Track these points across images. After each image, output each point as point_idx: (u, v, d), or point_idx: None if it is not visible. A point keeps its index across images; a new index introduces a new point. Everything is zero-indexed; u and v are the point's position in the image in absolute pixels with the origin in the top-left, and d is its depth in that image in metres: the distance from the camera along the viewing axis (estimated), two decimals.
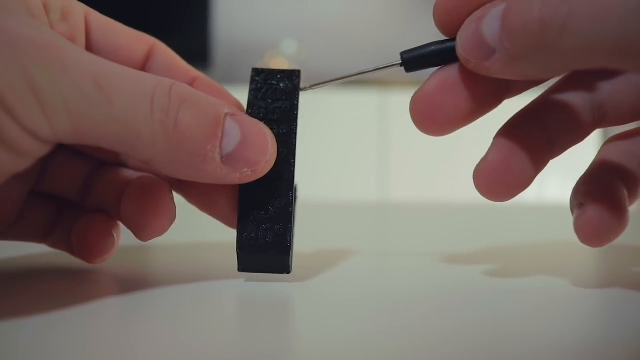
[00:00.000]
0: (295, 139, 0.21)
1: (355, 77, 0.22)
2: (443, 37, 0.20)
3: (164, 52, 0.22)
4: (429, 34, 0.24)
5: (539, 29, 0.16)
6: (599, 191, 0.20)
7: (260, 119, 0.20)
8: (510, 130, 0.20)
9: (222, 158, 0.18)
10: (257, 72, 0.22)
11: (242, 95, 0.22)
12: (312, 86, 0.22)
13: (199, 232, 0.34)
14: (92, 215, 0.22)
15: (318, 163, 1.32)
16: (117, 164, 0.23)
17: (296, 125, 0.21)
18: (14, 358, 0.13)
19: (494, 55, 0.18)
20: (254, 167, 0.19)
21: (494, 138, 0.20)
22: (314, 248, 0.29)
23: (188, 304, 0.18)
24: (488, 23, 0.18)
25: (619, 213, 0.20)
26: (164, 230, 0.21)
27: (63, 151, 0.22)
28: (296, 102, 0.21)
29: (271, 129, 0.20)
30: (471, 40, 0.18)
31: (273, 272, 0.20)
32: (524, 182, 0.20)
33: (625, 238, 0.20)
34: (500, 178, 0.20)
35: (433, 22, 0.23)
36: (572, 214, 0.20)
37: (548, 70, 0.18)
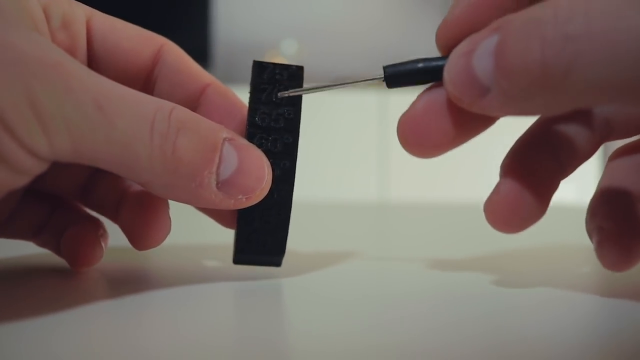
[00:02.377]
0: (298, 149, 0.20)
1: (335, 87, 0.20)
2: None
3: (174, 55, 0.22)
4: (429, 33, 0.24)
5: (541, 71, 0.15)
6: (618, 214, 0.19)
7: (264, 128, 0.20)
8: (520, 158, 0.19)
9: (217, 184, 0.18)
10: (260, 68, 0.20)
11: (243, 95, 0.22)
12: (290, 92, 0.21)
13: (198, 232, 0.34)
14: (82, 224, 0.22)
15: (318, 163, 1.32)
16: None
17: (299, 134, 0.20)
18: (12, 358, 0.13)
19: (488, 93, 0.16)
20: (248, 195, 0.19)
21: (503, 167, 0.20)
22: (313, 248, 0.29)
23: (185, 302, 0.18)
24: (479, 59, 0.16)
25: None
26: (159, 242, 0.21)
27: None
28: (299, 108, 0.21)
29: (275, 138, 0.20)
30: (462, 78, 0.17)
31: (265, 265, 0.21)
32: (540, 213, 0.19)
33: None
34: (516, 212, 0.19)
35: (433, 23, 0.23)
36: (591, 237, 0.20)
37: (551, 109, 0.17)
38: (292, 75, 0.20)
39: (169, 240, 0.21)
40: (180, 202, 0.19)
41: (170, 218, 0.21)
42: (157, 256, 0.27)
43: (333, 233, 0.38)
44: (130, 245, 0.21)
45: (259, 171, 0.19)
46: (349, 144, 1.38)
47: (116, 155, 0.16)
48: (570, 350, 0.14)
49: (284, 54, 1.58)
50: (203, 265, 0.25)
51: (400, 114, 0.19)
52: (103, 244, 0.22)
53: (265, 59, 1.73)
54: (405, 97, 0.24)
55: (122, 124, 0.16)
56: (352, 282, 0.22)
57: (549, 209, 0.19)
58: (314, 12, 1.73)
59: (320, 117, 1.29)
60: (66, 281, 0.21)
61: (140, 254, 0.26)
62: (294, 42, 1.60)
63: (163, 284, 0.21)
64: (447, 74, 0.17)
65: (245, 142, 0.19)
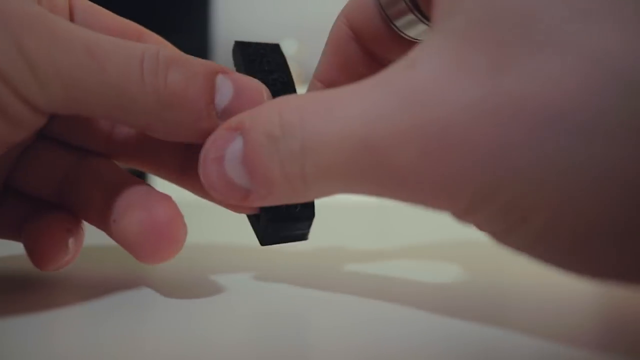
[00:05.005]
0: None
1: None
2: None
3: (153, 43, 0.22)
4: None
5: (287, 182, 0.16)
6: None
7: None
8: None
9: (217, 114, 0.18)
10: (244, 45, 0.22)
11: None
12: None
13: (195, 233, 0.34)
14: (48, 216, 0.20)
15: None
16: (101, 156, 0.21)
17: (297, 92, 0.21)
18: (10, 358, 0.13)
19: (251, 194, 0.17)
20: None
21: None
22: (313, 248, 0.29)
23: (188, 305, 0.18)
24: (231, 167, 0.17)
25: None
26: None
27: (41, 142, 0.21)
28: (289, 71, 0.21)
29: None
30: (221, 184, 0.17)
31: (293, 241, 0.21)
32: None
33: None
34: None
35: None
36: None
37: (311, 198, 0.17)
38: (273, 50, 0.22)
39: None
40: (185, 141, 0.18)
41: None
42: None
43: (333, 233, 0.38)
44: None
45: (257, 95, 0.19)
46: None
47: (110, 98, 0.16)
48: (570, 350, 0.14)
49: (284, 54, 1.58)
50: (202, 264, 0.25)
51: None
52: (72, 240, 0.20)
53: None
54: None
55: (112, 67, 0.16)
56: (352, 282, 0.22)
57: None
58: (314, 12, 1.72)
59: None
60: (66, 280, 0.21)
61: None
62: (294, 42, 1.60)
63: (154, 283, 0.21)
64: (205, 181, 0.17)
65: (238, 73, 0.19)
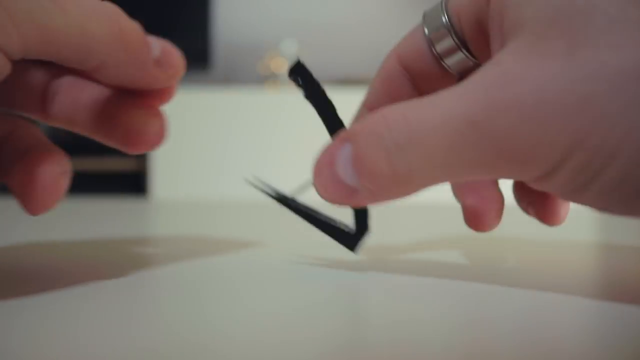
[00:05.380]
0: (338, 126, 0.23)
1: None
2: None
3: None
4: None
5: (393, 175, 0.18)
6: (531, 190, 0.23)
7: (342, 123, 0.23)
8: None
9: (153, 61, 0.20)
10: (301, 73, 0.22)
11: (241, 96, 0.22)
12: (255, 184, 0.24)
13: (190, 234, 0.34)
14: (41, 153, 0.20)
15: None
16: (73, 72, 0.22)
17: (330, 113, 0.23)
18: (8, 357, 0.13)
19: (358, 193, 0.19)
20: (175, 70, 0.21)
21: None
22: (313, 247, 0.29)
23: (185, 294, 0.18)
24: (342, 168, 0.19)
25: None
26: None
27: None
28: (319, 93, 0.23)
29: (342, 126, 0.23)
30: (331, 184, 0.19)
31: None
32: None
33: (625, 237, 0.20)
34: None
35: None
36: (527, 212, 0.24)
37: (413, 191, 0.19)
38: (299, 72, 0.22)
39: (165, 239, 0.21)
40: (127, 83, 0.20)
41: (65, 184, 0.20)
42: (149, 252, 0.27)
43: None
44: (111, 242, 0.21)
45: (175, 53, 0.21)
46: None
47: (76, 37, 0.18)
48: (569, 350, 0.14)
49: (284, 54, 1.58)
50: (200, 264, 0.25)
51: None
52: (64, 182, 0.20)
53: (265, 59, 1.72)
54: None
55: (73, 9, 0.18)
56: (352, 282, 0.22)
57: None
58: (314, 12, 1.73)
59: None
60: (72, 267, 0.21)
61: (124, 251, 0.26)
62: (294, 42, 1.60)
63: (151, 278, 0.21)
64: (317, 183, 0.20)
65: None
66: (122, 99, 0.22)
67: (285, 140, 1.30)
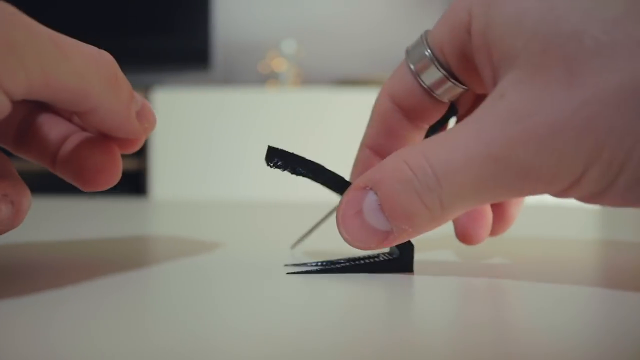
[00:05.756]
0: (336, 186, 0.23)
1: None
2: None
3: None
4: None
5: (427, 211, 0.19)
6: None
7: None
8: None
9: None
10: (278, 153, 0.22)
11: (241, 96, 0.22)
12: (296, 243, 0.25)
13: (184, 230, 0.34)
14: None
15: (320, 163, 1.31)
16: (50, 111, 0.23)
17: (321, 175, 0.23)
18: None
19: (391, 234, 0.20)
20: (152, 124, 0.22)
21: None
22: (313, 247, 0.29)
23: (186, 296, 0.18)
24: (371, 216, 0.20)
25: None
26: (111, 183, 0.22)
27: None
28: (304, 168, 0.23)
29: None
30: (363, 233, 0.20)
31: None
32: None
33: (624, 236, 0.20)
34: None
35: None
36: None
37: (446, 221, 0.20)
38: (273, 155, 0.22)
39: (166, 238, 0.21)
40: (108, 129, 0.21)
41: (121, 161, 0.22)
42: (150, 249, 0.27)
43: (333, 233, 0.38)
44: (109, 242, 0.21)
45: (150, 109, 0.23)
46: (349, 144, 1.38)
47: (76, 83, 0.18)
48: (570, 349, 0.14)
49: (284, 54, 1.58)
50: (199, 265, 0.25)
51: None
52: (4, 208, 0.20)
53: (266, 59, 1.72)
54: None
55: (75, 57, 0.18)
56: (351, 282, 0.22)
57: (549, 208, 0.20)
58: (314, 12, 1.73)
59: (320, 116, 1.29)
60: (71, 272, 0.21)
61: (118, 252, 0.26)
62: (294, 42, 1.60)
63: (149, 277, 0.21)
64: (347, 235, 0.21)
65: None
66: (87, 140, 0.23)
67: (285, 140, 1.30)
